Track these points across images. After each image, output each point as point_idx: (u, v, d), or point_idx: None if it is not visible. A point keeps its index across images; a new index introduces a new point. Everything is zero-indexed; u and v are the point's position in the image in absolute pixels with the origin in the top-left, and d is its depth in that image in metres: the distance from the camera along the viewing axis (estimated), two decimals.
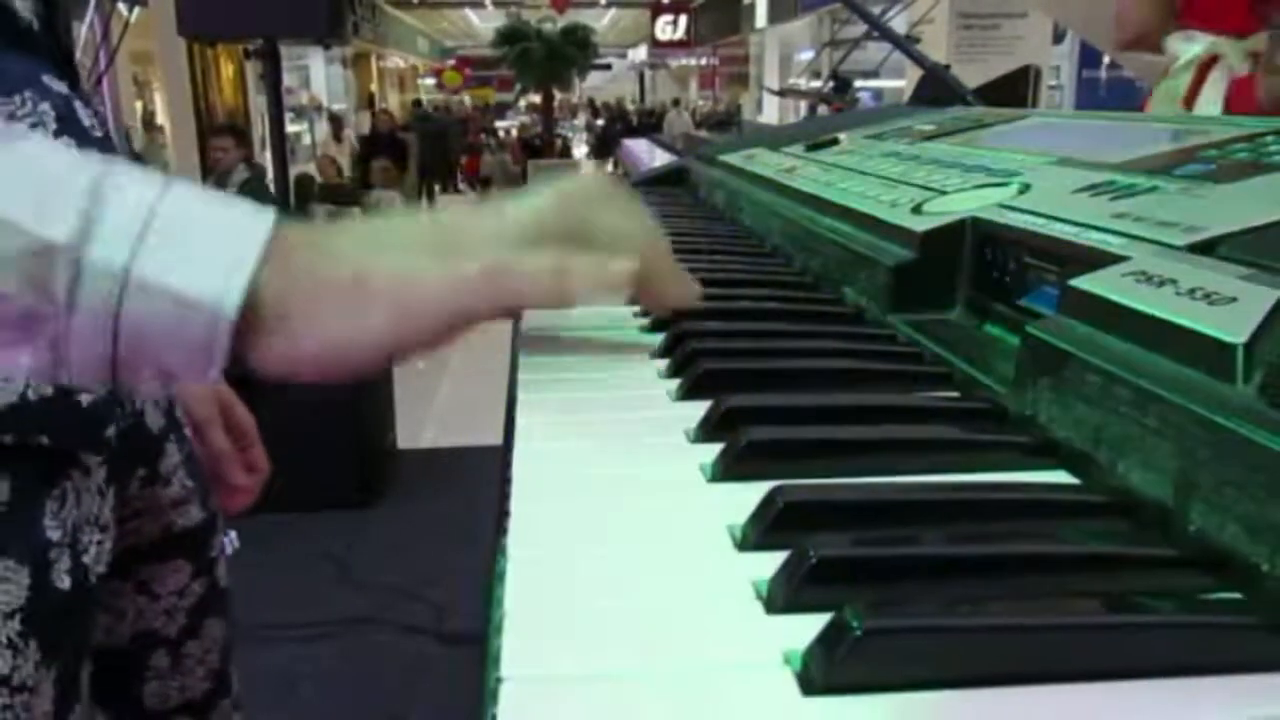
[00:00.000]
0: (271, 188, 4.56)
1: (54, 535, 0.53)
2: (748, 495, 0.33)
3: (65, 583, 0.53)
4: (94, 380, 0.39)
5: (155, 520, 0.71)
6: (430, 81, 24.37)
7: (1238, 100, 1.15)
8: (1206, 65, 1.22)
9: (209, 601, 0.76)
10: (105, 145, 0.61)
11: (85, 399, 0.55)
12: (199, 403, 0.79)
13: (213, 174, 4.74)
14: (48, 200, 0.36)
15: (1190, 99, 1.23)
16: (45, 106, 0.55)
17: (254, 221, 0.38)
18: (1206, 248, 0.39)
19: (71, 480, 0.55)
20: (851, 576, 0.28)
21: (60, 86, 0.58)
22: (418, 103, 17.46)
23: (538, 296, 0.44)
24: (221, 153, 4.67)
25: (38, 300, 0.36)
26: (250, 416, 0.87)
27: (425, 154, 11.16)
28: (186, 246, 0.37)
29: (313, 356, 0.40)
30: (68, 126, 0.56)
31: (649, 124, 14.21)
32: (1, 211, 0.35)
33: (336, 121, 12.96)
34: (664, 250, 0.51)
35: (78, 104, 0.59)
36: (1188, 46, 1.24)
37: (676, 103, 16.84)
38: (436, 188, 11.82)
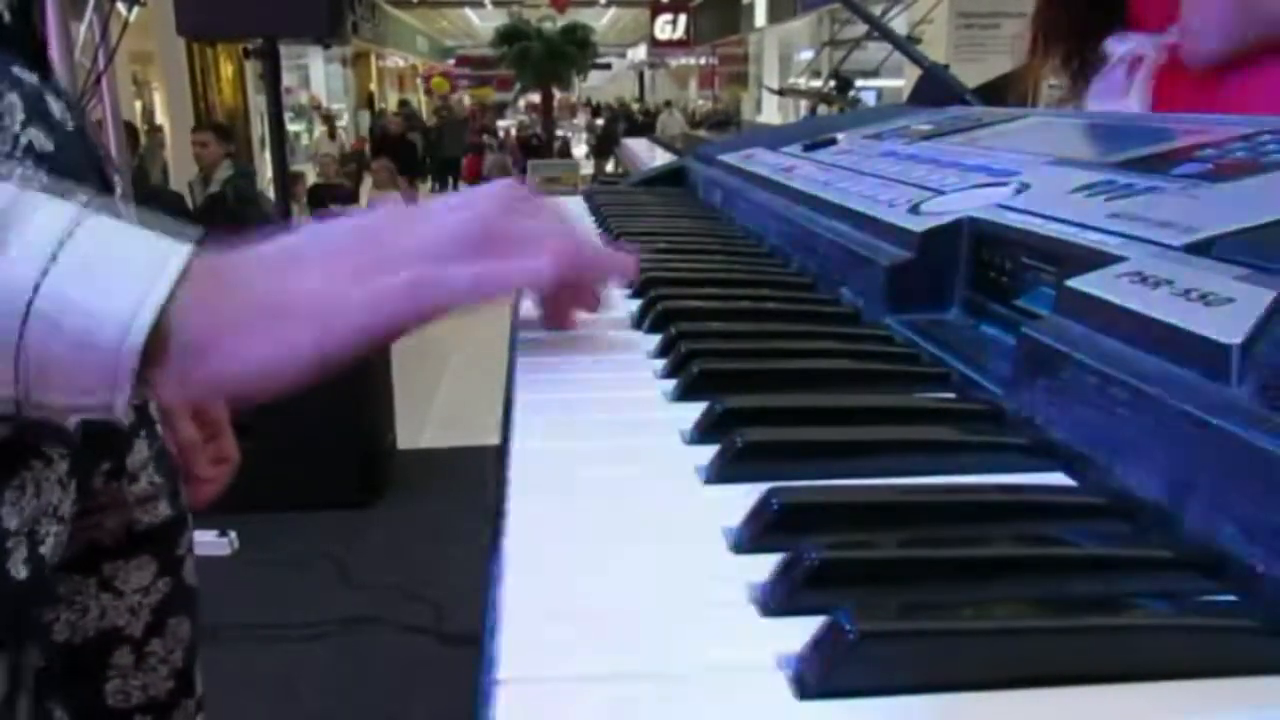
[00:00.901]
0: (270, 189, 4.56)
1: (11, 524, 0.53)
2: (743, 497, 0.33)
3: (22, 573, 0.53)
4: None
5: (118, 515, 0.70)
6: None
7: (1159, 99, 1.15)
8: (1134, 65, 1.21)
9: (174, 600, 0.76)
10: (79, 137, 0.61)
11: None
12: None
13: (199, 171, 4.76)
14: None
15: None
16: (14, 97, 0.55)
17: (169, 250, 0.38)
18: (1203, 248, 0.39)
19: (32, 470, 0.55)
20: (847, 579, 0.28)
21: (31, 78, 0.58)
22: (404, 103, 17.45)
23: (459, 304, 0.45)
24: (200, 148, 4.68)
25: None
26: (220, 404, 0.86)
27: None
28: (98, 272, 0.37)
29: (235, 381, 0.40)
30: (36, 118, 0.56)
31: (647, 124, 14.21)
32: None
33: (330, 121, 13.02)
34: (583, 242, 0.52)
35: (49, 96, 0.59)
36: (1119, 47, 1.23)
37: (669, 104, 16.84)
38: (436, 187, 11.86)
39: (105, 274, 0.37)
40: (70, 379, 0.37)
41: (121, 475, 0.69)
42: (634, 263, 0.55)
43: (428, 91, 20.92)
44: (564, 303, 0.55)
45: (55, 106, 0.59)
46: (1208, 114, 0.75)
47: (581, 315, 0.57)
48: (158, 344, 0.37)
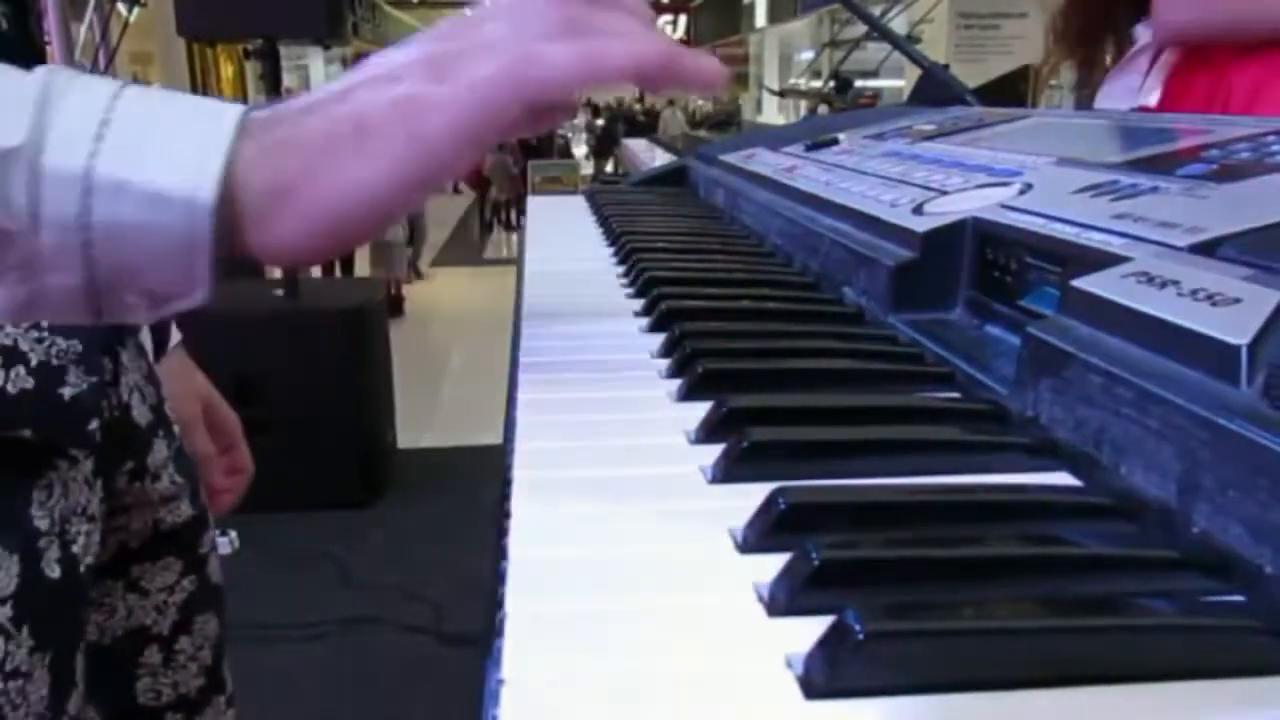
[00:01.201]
0: None
1: (42, 525, 0.53)
2: (749, 497, 0.33)
3: (55, 571, 0.53)
4: (76, 311, 0.36)
5: (144, 515, 0.71)
6: None
7: (1173, 93, 1.12)
8: (1157, 55, 1.18)
9: (200, 598, 0.76)
10: None
11: (68, 392, 0.56)
12: (181, 402, 0.79)
13: None
14: None
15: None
16: None
17: (221, 109, 0.36)
18: (1208, 248, 0.39)
19: (58, 471, 0.55)
20: (853, 579, 0.28)
21: None
22: None
23: (567, 81, 0.38)
24: None
25: (1, 218, 0.33)
26: (234, 416, 0.86)
27: None
28: (150, 140, 0.34)
29: (328, 222, 0.36)
30: None
31: (648, 125, 14.19)
32: None
33: None
34: (669, 40, 0.43)
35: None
36: (1144, 34, 1.19)
37: (672, 103, 16.82)
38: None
39: (163, 131, 0.34)
40: (148, 247, 0.34)
41: (144, 475, 0.70)
42: (720, 71, 0.45)
43: None
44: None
45: None
46: (1212, 113, 0.75)
47: (583, 319, 0.56)
48: (235, 203, 0.35)
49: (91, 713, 0.70)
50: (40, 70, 0.35)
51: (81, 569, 0.56)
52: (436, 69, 0.37)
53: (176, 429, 0.75)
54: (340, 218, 0.36)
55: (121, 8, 2.77)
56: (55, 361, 0.57)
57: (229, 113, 0.36)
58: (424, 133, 0.36)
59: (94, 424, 0.58)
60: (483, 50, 0.37)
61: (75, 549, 0.56)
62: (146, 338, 0.75)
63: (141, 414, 0.69)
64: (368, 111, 0.36)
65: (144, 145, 0.34)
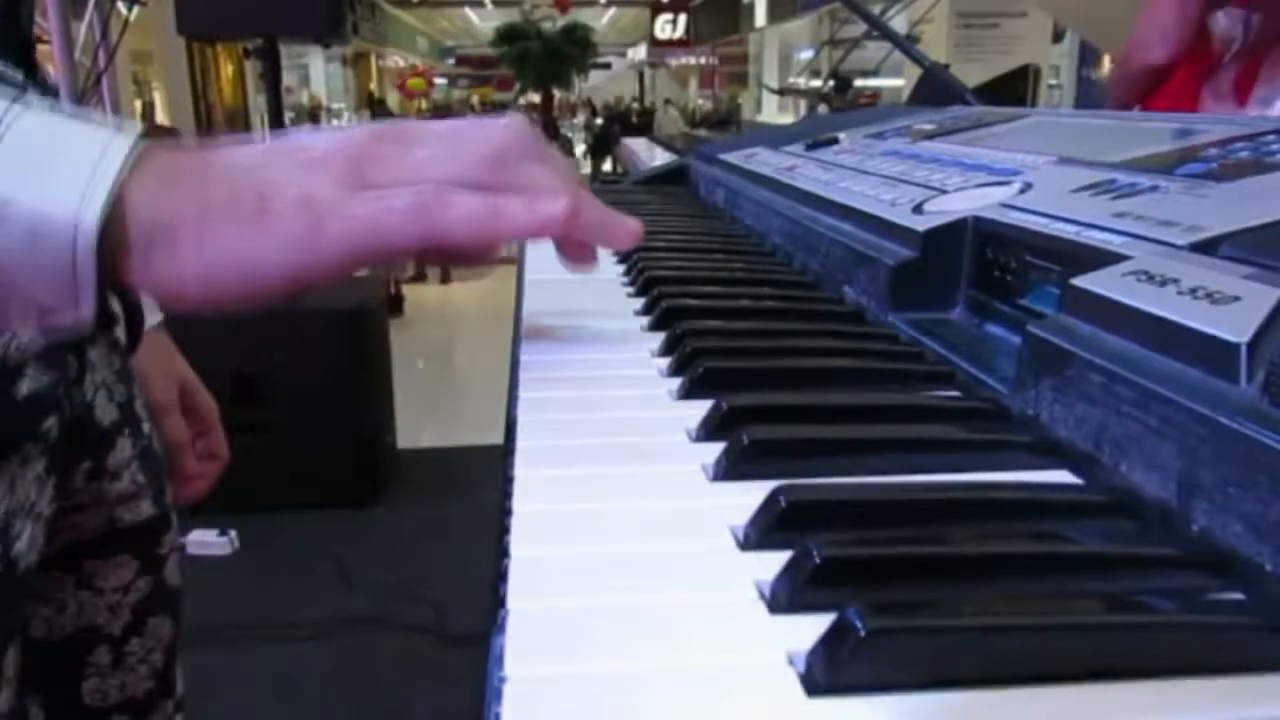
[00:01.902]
0: None
1: None
2: (750, 495, 0.33)
3: None
4: None
5: (99, 514, 0.69)
6: (440, 81, 24.27)
7: None
8: (1262, 50, 1.00)
9: (155, 600, 0.75)
10: None
11: (24, 389, 0.54)
12: (157, 388, 0.77)
13: None
14: None
15: (1245, 87, 1.00)
16: None
17: (115, 134, 0.36)
18: (1208, 247, 0.39)
19: (7, 468, 0.54)
20: (855, 576, 0.28)
21: (16, 75, 0.58)
22: (381, 102, 17.42)
23: (463, 232, 0.40)
24: None
25: None
26: (212, 402, 0.85)
27: None
28: (41, 163, 0.34)
29: (203, 276, 0.36)
30: None
31: (644, 125, 14.17)
32: None
33: (315, 118, 13.04)
34: (589, 198, 0.47)
35: (34, 94, 0.59)
36: (1231, 24, 1.07)
37: (668, 102, 16.83)
38: None
39: (51, 163, 0.34)
40: (28, 281, 0.34)
41: (103, 475, 0.68)
42: (639, 229, 0.50)
43: (409, 95, 20.41)
44: (576, 244, 0.52)
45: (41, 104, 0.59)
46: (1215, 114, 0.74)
47: (583, 318, 0.56)
48: (118, 228, 0.34)
49: (36, 710, 0.69)
50: None
51: (22, 568, 0.55)
52: (355, 174, 0.38)
53: (146, 427, 0.74)
54: (215, 277, 0.37)
55: (121, 7, 2.77)
56: (13, 357, 0.55)
57: (122, 137, 0.35)
58: (318, 234, 0.37)
59: (50, 421, 0.57)
60: (405, 174, 0.39)
61: (18, 546, 0.54)
62: (121, 331, 0.74)
63: (106, 412, 0.68)
64: (274, 194, 0.37)
65: (34, 166, 0.34)
